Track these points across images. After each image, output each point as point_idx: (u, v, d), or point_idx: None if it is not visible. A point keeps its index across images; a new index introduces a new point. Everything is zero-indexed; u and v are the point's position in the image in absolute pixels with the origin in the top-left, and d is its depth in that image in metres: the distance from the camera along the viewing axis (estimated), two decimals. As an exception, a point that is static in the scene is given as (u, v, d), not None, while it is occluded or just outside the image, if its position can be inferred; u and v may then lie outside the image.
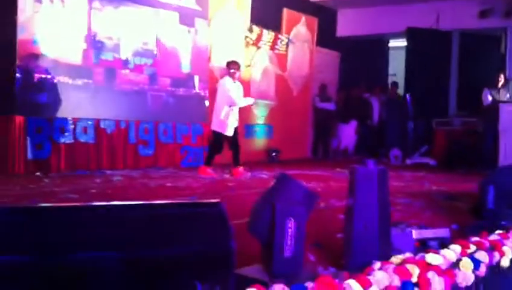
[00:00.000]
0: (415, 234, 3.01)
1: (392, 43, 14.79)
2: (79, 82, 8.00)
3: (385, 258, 2.54)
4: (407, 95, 12.13)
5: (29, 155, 7.36)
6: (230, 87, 7.88)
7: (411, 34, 12.95)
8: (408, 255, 2.61)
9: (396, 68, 14.43)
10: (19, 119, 7.31)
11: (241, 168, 8.08)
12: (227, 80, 7.96)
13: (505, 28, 12.43)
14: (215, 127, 7.97)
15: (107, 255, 1.74)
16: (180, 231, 1.86)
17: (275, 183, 2.75)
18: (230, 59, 8.39)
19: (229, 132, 7.88)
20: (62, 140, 7.69)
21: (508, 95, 9.97)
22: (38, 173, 7.26)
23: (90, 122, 8.03)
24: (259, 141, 11.40)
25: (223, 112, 7.81)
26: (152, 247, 1.81)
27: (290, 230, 2.53)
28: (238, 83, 8.09)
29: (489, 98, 9.69)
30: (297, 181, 2.74)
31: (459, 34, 13.22)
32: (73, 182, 6.70)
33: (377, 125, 13.03)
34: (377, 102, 13.07)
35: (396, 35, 13.76)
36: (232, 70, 7.94)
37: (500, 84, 9.95)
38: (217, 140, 8.01)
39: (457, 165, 10.43)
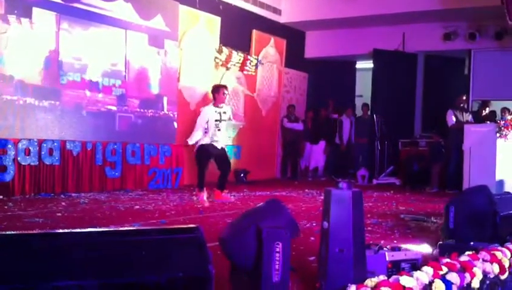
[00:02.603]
0: (388, 256, 3.02)
1: (359, 64, 15.01)
2: (45, 103, 7.87)
3: (360, 281, 2.54)
4: (374, 116, 12.31)
5: (-7, 178, 7.17)
6: (201, 114, 7.71)
7: (377, 55, 13.19)
8: (382, 277, 2.61)
9: (363, 89, 14.64)
10: (-18, 141, 7.14)
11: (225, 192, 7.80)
12: (207, 106, 7.75)
13: (469, 50, 12.77)
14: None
15: (85, 284, 1.69)
16: (158, 256, 1.84)
17: (263, 206, 2.70)
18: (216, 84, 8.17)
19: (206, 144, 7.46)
20: (27, 162, 7.52)
21: (470, 116, 10.20)
22: (1, 196, 7.07)
23: (55, 144, 7.89)
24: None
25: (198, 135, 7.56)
26: (130, 273, 1.78)
27: (278, 254, 2.48)
28: (221, 108, 7.62)
29: (453, 118, 9.89)
30: (285, 208, 2.70)
31: (424, 55, 13.51)
32: (38, 205, 6.54)
33: (346, 146, 13.10)
34: (348, 122, 13.15)
35: (363, 57, 13.97)
36: (223, 95, 7.65)
37: (463, 105, 10.19)
38: (199, 157, 7.62)
39: (419, 184, 10.60)
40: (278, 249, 2.47)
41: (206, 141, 7.54)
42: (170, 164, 9.66)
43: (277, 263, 2.46)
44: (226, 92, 7.74)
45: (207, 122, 7.49)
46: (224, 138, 7.98)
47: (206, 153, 7.56)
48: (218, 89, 7.75)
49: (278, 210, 2.65)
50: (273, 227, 2.51)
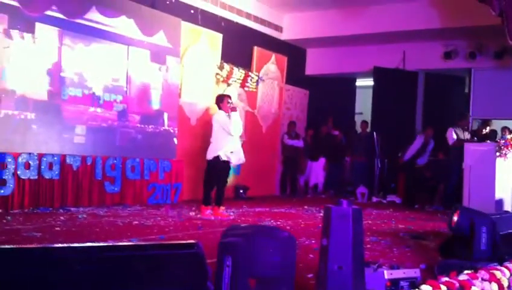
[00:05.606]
0: (387, 274, 3.01)
1: (360, 82, 15.05)
2: (46, 118, 7.87)
3: (358, 299, 2.53)
4: (374, 133, 12.31)
5: (-7, 191, 7.15)
6: (215, 118, 7.74)
7: (378, 73, 13.24)
8: (380, 296, 2.60)
9: (364, 106, 14.68)
10: (-17, 154, 7.13)
11: (222, 208, 7.84)
12: (220, 112, 7.76)
13: (469, 69, 12.83)
14: (208, 155, 7.62)
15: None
16: (157, 272, 1.83)
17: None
18: (219, 94, 8.43)
19: (224, 156, 7.51)
20: (26, 176, 7.51)
21: (470, 134, 10.21)
22: (0, 210, 7.06)
23: (55, 158, 7.89)
24: (228, 177, 11.33)
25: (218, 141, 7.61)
26: (128, 289, 1.77)
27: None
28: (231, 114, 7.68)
29: (454, 136, 9.90)
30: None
31: (424, 74, 13.55)
32: (37, 219, 6.53)
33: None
34: (432, 144, 11.28)
35: (364, 75, 14.02)
36: (227, 103, 7.70)
37: (463, 123, 10.21)
38: (212, 168, 7.64)
39: (420, 203, 10.59)
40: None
41: (223, 149, 7.54)
42: (170, 179, 9.65)
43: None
44: (229, 100, 7.81)
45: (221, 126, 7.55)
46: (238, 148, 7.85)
47: (219, 166, 7.59)
48: (222, 99, 7.85)
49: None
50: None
